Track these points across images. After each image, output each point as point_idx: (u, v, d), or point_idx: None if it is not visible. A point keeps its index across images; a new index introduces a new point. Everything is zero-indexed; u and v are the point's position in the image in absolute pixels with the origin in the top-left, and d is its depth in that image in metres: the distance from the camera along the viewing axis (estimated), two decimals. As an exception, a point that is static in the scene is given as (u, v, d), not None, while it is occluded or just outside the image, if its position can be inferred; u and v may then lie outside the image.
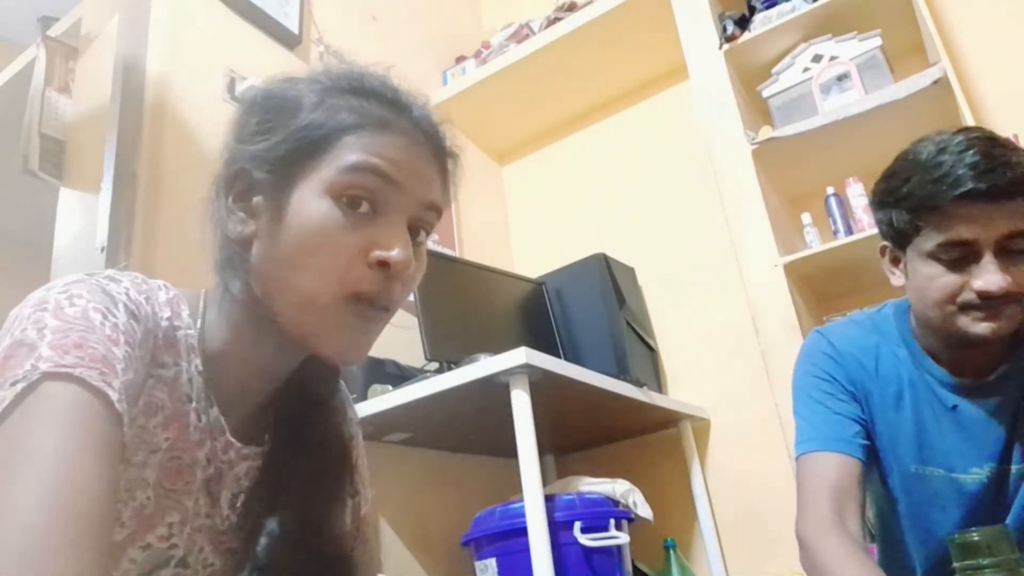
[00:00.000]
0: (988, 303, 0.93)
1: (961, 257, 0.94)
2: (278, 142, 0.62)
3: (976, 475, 1.03)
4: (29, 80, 1.83)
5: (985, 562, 0.50)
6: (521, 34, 2.61)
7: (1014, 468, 1.02)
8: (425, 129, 0.66)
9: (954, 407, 1.03)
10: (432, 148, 0.66)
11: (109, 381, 0.51)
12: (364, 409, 1.54)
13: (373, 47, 2.39)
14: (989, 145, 0.93)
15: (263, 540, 0.65)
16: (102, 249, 1.41)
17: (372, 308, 0.61)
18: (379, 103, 0.64)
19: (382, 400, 1.55)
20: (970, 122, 1.71)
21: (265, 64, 1.93)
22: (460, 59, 2.75)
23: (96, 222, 1.45)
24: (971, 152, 0.91)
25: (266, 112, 0.64)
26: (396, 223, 0.61)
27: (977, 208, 0.90)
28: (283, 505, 0.68)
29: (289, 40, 2.03)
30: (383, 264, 0.60)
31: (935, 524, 1.06)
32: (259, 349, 0.66)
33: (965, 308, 0.94)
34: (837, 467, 1.00)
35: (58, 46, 1.86)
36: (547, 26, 2.51)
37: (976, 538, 0.51)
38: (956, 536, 0.52)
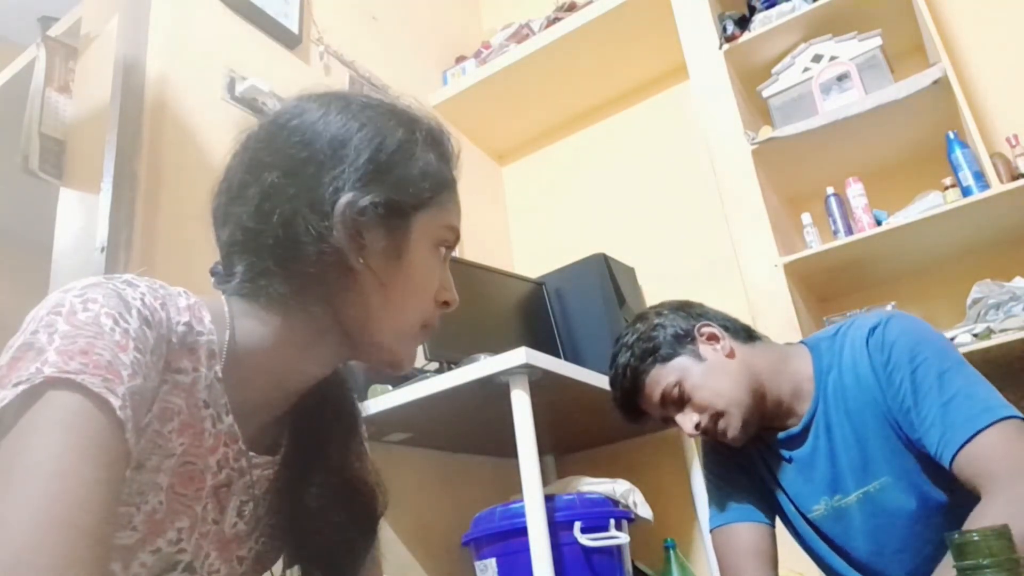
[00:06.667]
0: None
1: None
2: (394, 186, 0.67)
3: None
4: (29, 80, 1.83)
5: (985, 562, 0.50)
6: (521, 34, 2.61)
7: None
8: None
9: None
10: None
11: (112, 388, 0.50)
12: (364, 409, 1.53)
13: (373, 47, 2.39)
14: None
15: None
16: (102, 249, 1.41)
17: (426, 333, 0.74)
18: (447, 162, 0.75)
19: (382, 400, 1.55)
20: (970, 122, 1.71)
21: (265, 64, 1.93)
22: (460, 59, 2.75)
23: (96, 222, 1.45)
24: None
25: (380, 153, 0.67)
26: (447, 266, 0.75)
27: None
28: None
29: (289, 40, 2.04)
30: (447, 304, 0.74)
31: None
32: (300, 361, 0.68)
33: None
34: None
35: (58, 46, 1.86)
36: (547, 26, 2.51)
37: (976, 538, 0.51)
38: (956, 536, 0.52)
